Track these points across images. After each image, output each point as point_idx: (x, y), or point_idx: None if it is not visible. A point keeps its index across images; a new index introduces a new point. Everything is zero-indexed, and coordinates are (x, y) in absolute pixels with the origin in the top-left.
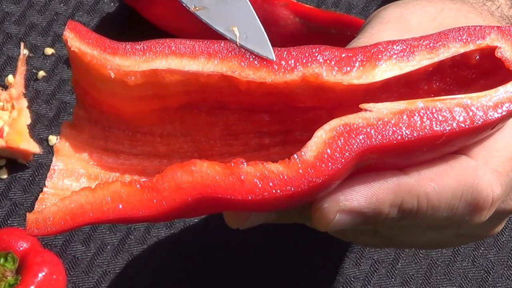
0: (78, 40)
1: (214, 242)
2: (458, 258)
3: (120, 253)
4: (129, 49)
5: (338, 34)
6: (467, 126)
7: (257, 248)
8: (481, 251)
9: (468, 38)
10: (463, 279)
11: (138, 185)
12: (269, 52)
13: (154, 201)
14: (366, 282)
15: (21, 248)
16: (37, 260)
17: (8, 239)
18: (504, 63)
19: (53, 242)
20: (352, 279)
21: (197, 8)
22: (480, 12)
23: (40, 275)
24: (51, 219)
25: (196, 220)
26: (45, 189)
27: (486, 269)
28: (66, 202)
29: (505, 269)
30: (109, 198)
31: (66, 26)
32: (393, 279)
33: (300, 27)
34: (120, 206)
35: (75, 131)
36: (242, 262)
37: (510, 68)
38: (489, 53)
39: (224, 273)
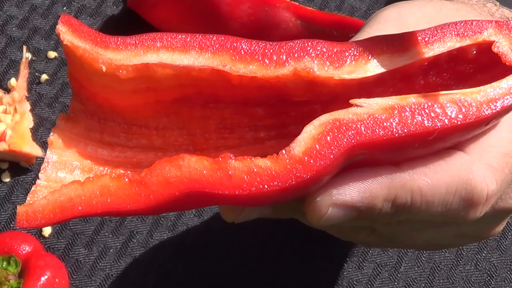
0: (70, 34)
1: (217, 245)
2: (461, 261)
3: (122, 257)
4: (121, 43)
5: (340, 36)
6: (459, 122)
7: (259, 251)
8: (484, 254)
9: (465, 33)
10: (466, 283)
11: (126, 179)
12: None
13: (142, 195)
14: (369, 286)
15: (23, 252)
16: (39, 263)
17: (10, 242)
18: (500, 58)
19: (56, 246)
20: (355, 282)
21: None
22: (480, 13)
23: (42, 278)
24: (40, 211)
25: (198, 223)
26: (38, 181)
27: (489, 272)
28: (56, 195)
29: (508, 272)
30: (98, 192)
31: (59, 20)
32: (396, 283)
33: (302, 29)
34: (109, 200)
35: (70, 123)
36: (245, 265)
37: (507, 63)
38: (487, 48)
39: (226, 276)
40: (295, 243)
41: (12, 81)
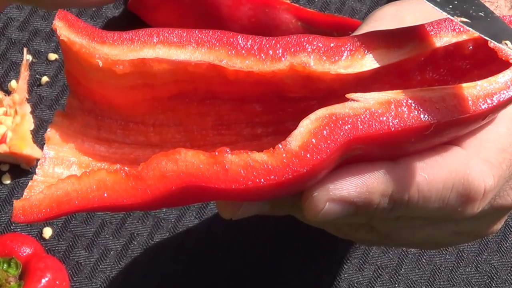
0: (67, 29)
1: (217, 247)
2: (461, 263)
3: (123, 259)
4: (117, 38)
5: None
6: (455, 117)
7: (260, 253)
8: (484, 256)
9: (461, 28)
10: (466, 285)
11: (123, 173)
12: None
13: (139, 189)
14: None
15: (24, 254)
16: (40, 265)
17: (11, 244)
18: (497, 53)
19: (56, 248)
20: (356, 284)
21: (460, 19)
22: None
23: (43, 280)
24: (37, 206)
25: (199, 225)
26: (35, 177)
27: (489, 274)
28: (52, 190)
29: (509, 274)
30: (94, 186)
31: (56, 16)
32: (396, 285)
33: (302, 31)
34: (105, 194)
35: (67, 120)
36: (245, 266)
37: (503, 58)
38: (483, 43)
39: (227, 278)
40: (295, 245)
41: (13, 83)
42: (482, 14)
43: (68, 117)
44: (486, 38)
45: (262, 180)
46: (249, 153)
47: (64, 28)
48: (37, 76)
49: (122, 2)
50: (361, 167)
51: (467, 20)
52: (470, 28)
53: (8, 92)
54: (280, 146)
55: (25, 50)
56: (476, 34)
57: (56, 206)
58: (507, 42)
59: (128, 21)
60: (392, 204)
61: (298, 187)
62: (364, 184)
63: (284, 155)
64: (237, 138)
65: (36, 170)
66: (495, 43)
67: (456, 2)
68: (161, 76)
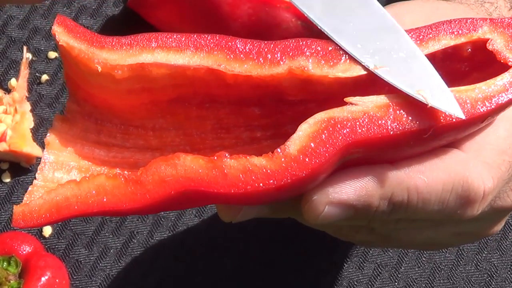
0: (66, 34)
1: (217, 246)
2: (461, 262)
3: (123, 257)
4: (116, 43)
5: None
6: (454, 120)
7: (260, 252)
8: (484, 254)
9: (459, 31)
10: (466, 283)
11: (122, 178)
12: (459, 110)
13: (138, 194)
14: (369, 286)
15: (24, 252)
16: (40, 264)
17: (11, 243)
18: (495, 56)
19: (56, 246)
20: (356, 282)
21: (377, 67)
22: (477, 13)
23: (43, 279)
24: (37, 211)
25: (199, 223)
26: (35, 182)
27: (489, 273)
28: (52, 195)
29: (509, 272)
30: (94, 191)
31: (55, 21)
32: (396, 283)
33: (302, 30)
34: (105, 199)
35: (67, 124)
36: (246, 266)
37: (502, 61)
38: (482, 46)
39: (227, 277)
40: (295, 244)
41: (13, 81)
42: (403, 55)
43: (67, 122)
44: (402, 89)
45: (261, 184)
46: (248, 157)
47: (63, 33)
48: (37, 74)
49: (122, 0)
50: (360, 170)
51: (385, 68)
52: (385, 78)
53: (8, 90)
54: (279, 150)
55: (25, 48)
56: (475, 37)
57: (56, 211)
58: (422, 92)
59: (128, 19)
60: (391, 207)
61: (297, 191)
62: (363, 187)
63: (283, 159)
64: (236, 141)
65: (36, 175)
66: (411, 94)
67: (378, 43)
68: (160, 80)
